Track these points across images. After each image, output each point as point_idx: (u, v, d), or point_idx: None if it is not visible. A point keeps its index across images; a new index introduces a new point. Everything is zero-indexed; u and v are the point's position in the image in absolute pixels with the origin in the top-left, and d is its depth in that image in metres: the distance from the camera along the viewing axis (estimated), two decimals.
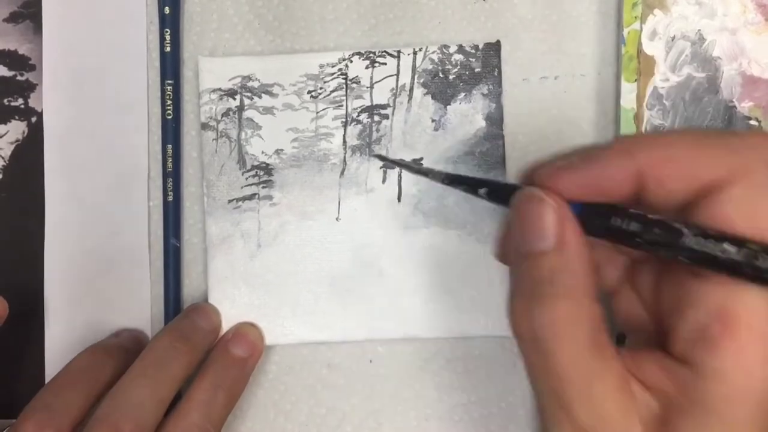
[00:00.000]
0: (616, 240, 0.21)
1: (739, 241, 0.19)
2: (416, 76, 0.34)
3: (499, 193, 0.25)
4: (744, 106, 0.33)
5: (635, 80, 0.33)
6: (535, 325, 0.21)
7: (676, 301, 0.21)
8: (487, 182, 0.25)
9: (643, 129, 0.33)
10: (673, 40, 0.33)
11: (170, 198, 0.34)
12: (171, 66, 0.35)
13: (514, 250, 0.23)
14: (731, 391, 0.19)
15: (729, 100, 0.33)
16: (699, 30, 0.33)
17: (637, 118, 0.33)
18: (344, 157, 0.34)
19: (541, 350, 0.21)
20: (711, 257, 0.19)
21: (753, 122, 0.33)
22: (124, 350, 0.32)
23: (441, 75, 0.34)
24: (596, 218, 0.21)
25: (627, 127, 0.33)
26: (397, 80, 0.34)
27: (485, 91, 0.34)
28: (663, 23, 0.33)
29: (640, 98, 0.33)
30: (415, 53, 0.34)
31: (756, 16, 0.33)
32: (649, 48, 0.33)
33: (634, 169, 0.20)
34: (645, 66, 0.33)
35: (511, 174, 0.34)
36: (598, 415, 0.20)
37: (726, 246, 0.19)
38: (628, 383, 0.21)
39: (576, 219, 0.22)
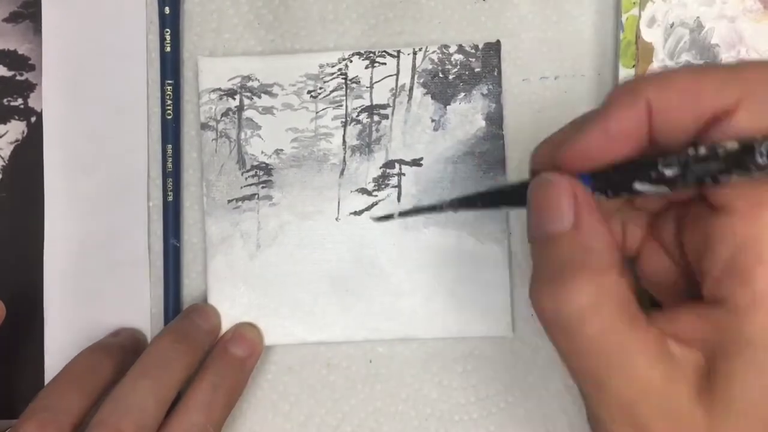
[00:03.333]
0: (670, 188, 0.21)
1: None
2: (416, 76, 0.34)
3: (515, 194, 0.25)
4: None
5: (633, 66, 0.33)
6: (560, 307, 0.21)
7: (702, 242, 0.21)
8: (500, 190, 0.26)
9: None
10: (671, 27, 0.33)
11: (170, 198, 0.34)
12: (171, 66, 0.35)
13: (531, 238, 0.23)
14: None
15: None
16: (698, 17, 0.33)
17: None
18: (344, 157, 0.34)
19: (569, 332, 0.21)
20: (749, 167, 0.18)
21: None
22: (123, 349, 0.33)
23: (441, 75, 0.34)
24: (621, 180, 0.21)
25: None
26: (397, 80, 0.34)
27: (485, 91, 0.34)
28: (662, 10, 0.33)
29: None
30: (414, 53, 0.34)
31: (755, 4, 0.33)
32: (647, 35, 0.33)
33: (644, 105, 0.20)
34: (643, 53, 0.33)
35: (511, 174, 0.34)
36: (640, 388, 0.20)
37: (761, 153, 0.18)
38: (665, 347, 0.20)
39: (590, 195, 0.21)
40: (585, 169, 0.22)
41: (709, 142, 0.19)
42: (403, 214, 0.32)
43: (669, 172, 0.20)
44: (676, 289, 0.24)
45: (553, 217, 0.21)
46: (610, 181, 0.21)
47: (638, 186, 0.20)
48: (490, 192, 0.26)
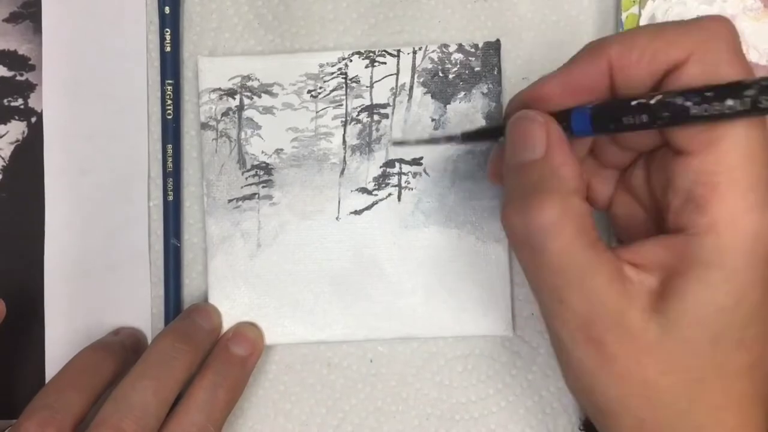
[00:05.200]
0: (628, 130, 0.23)
1: (734, 89, 0.20)
2: (416, 76, 0.34)
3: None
4: None
5: None
6: (527, 223, 0.23)
7: (666, 181, 0.23)
8: (499, 126, 0.28)
9: None
10: None
11: (170, 198, 0.34)
12: (171, 66, 0.35)
13: (506, 167, 0.25)
14: (723, 241, 0.21)
15: None
16: (697, 15, 0.33)
17: None
18: (344, 157, 0.34)
19: (534, 247, 0.23)
20: (717, 116, 0.20)
21: None
22: (123, 348, 0.33)
23: (441, 74, 0.34)
24: (606, 118, 0.23)
25: None
26: (397, 79, 0.34)
27: (485, 90, 0.34)
28: (662, 8, 0.33)
29: None
30: (414, 52, 0.34)
31: (755, 3, 0.33)
32: None
33: (605, 62, 0.22)
34: None
35: None
36: (594, 303, 0.22)
37: (729, 101, 0.20)
38: (621, 271, 0.22)
39: (562, 131, 0.24)
40: (545, 111, 0.25)
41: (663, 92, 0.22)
42: (399, 143, 0.34)
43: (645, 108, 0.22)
44: (646, 232, 0.26)
45: (527, 147, 0.24)
46: (602, 115, 0.23)
47: (626, 120, 0.22)
48: (492, 127, 0.30)
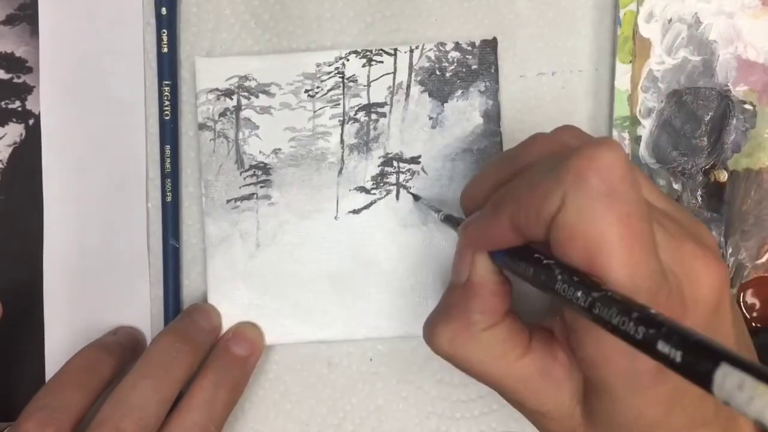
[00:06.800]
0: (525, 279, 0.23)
1: (588, 286, 0.20)
2: (413, 74, 0.34)
3: None
4: (739, 90, 0.33)
5: (630, 61, 0.33)
6: (430, 341, 0.26)
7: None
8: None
9: (637, 111, 0.33)
10: (669, 22, 0.33)
11: (169, 199, 0.34)
12: (168, 67, 0.35)
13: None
14: (604, 375, 0.22)
15: (724, 84, 0.33)
16: (696, 13, 0.33)
17: (631, 100, 0.33)
18: (342, 156, 0.34)
19: (450, 359, 0.26)
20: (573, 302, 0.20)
21: (747, 106, 0.33)
22: (122, 347, 0.33)
23: (438, 72, 0.34)
24: (512, 264, 0.24)
25: (620, 109, 0.33)
26: (394, 78, 0.34)
27: (482, 88, 0.34)
28: (660, 6, 0.33)
29: (634, 80, 0.33)
30: (411, 51, 0.34)
31: (753, 0, 0.33)
32: (645, 30, 0.33)
33: (507, 223, 0.23)
34: (641, 48, 0.33)
35: None
36: (520, 399, 0.25)
37: (579, 294, 0.20)
38: (541, 369, 0.25)
39: (490, 260, 0.25)
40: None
41: (552, 244, 0.21)
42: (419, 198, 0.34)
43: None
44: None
45: (455, 270, 0.26)
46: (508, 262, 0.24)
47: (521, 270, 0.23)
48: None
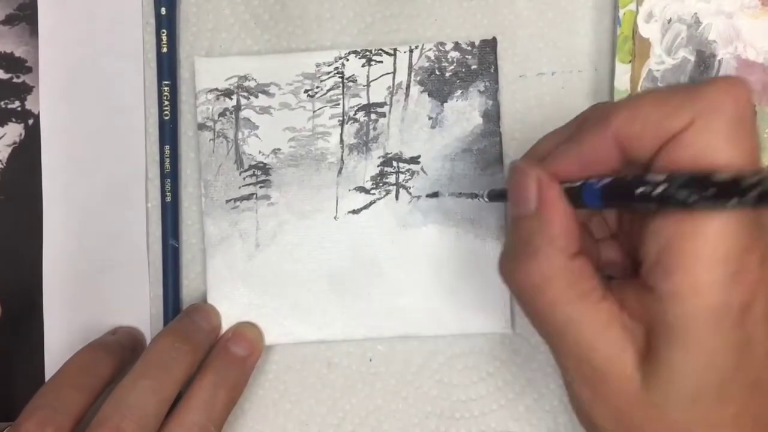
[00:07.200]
0: (634, 209, 0.23)
1: (702, 181, 0.20)
2: (413, 74, 0.34)
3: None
4: None
5: (629, 61, 0.33)
6: (516, 279, 0.24)
7: (640, 237, 0.23)
8: None
9: None
10: (669, 22, 0.33)
11: (168, 199, 0.34)
12: (168, 67, 0.35)
13: (509, 217, 0.26)
14: (685, 309, 0.21)
15: None
16: (695, 13, 0.33)
17: None
18: (341, 156, 0.34)
19: (524, 300, 0.24)
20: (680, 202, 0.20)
21: None
22: (121, 347, 0.33)
23: (437, 72, 0.34)
24: (614, 196, 0.23)
25: None
26: (394, 78, 0.34)
27: (482, 88, 0.34)
28: (659, 5, 0.33)
29: (634, 80, 0.33)
30: (411, 51, 0.34)
31: (752, 0, 0.33)
32: (645, 30, 0.33)
33: (612, 134, 0.22)
34: (640, 48, 0.33)
35: (509, 170, 0.34)
36: (585, 349, 0.23)
37: (733, 200, 0.20)
38: (614, 320, 0.23)
39: (558, 187, 0.24)
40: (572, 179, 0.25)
41: (664, 161, 0.22)
42: (432, 195, 0.34)
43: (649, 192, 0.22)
44: (623, 271, 0.27)
45: (519, 201, 0.24)
46: (610, 195, 0.23)
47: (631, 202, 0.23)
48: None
